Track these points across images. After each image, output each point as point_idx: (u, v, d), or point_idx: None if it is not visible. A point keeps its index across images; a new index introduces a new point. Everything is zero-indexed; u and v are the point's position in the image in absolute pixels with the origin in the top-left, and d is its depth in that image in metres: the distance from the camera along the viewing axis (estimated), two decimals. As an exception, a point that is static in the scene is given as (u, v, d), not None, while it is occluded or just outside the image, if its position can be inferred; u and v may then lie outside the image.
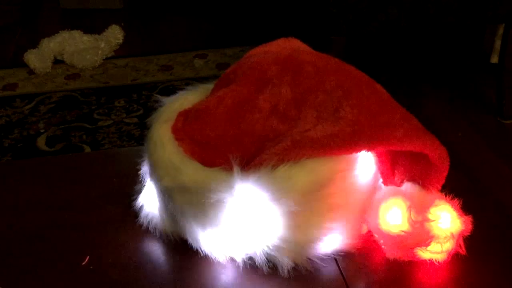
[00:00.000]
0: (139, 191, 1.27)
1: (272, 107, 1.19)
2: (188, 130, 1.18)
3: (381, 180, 1.20)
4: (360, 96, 1.17)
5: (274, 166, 1.09)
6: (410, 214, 1.12)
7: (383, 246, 1.17)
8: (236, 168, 1.10)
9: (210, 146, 1.16)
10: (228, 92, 1.21)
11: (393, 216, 1.14)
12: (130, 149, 1.63)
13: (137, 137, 1.74)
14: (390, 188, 1.17)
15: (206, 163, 1.14)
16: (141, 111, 1.88)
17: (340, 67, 1.23)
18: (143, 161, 1.25)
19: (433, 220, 1.11)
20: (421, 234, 1.12)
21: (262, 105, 1.19)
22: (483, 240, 1.20)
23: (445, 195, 1.15)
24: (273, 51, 1.28)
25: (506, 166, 1.49)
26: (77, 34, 2.24)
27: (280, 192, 1.08)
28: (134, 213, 1.26)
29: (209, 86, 1.32)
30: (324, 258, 1.15)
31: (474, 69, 1.93)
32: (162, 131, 1.19)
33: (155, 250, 1.22)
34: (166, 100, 1.28)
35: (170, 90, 1.93)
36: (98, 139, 1.73)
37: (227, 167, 1.11)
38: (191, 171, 1.12)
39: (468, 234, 1.13)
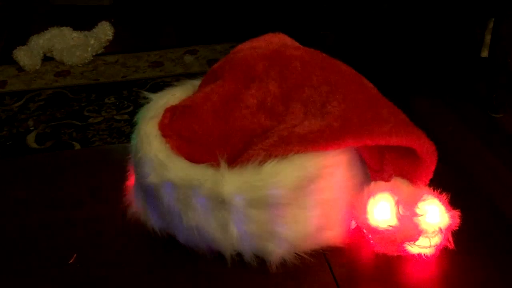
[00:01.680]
0: (127, 188, 1.26)
1: (259, 102, 1.19)
2: (175, 126, 1.18)
3: (369, 175, 1.20)
4: (348, 91, 1.17)
5: (262, 162, 1.09)
6: (398, 209, 1.12)
7: (371, 241, 1.17)
8: (223, 164, 1.09)
9: (197, 142, 1.16)
10: (215, 88, 1.21)
11: (382, 211, 1.14)
12: (119, 146, 1.62)
13: (127, 134, 1.73)
14: (379, 183, 1.17)
15: (193, 160, 1.13)
16: (132, 108, 1.87)
17: (327, 62, 1.23)
18: (130, 158, 1.25)
19: (421, 215, 1.11)
20: (409, 229, 1.12)
21: (250, 100, 1.19)
22: (471, 234, 1.20)
23: (433, 190, 1.15)
24: (260, 46, 1.27)
25: (496, 160, 1.49)
26: (66, 30, 2.23)
27: (268, 187, 1.08)
28: (122, 210, 1.26)
29: (196, 82, 1.32)
30: (312, 254, 1.15)
31: (464, 63, 1.93)
32: (148, 128, 1.19)
33: (143, 247, 1.21)
34: (153, 96, 1.28)
35: (161, 86, 1.92)
36: (88, 136, 1.72)
37: (214, 164, 1.10)
38: (178, 167, 1.11)
39: (456, 228, 1.13)
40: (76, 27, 2.28)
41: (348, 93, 1.16)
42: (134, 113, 1.79)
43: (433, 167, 1.15)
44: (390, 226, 1.12)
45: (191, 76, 1.51)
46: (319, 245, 1.16)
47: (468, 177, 1.42)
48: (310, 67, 1.21)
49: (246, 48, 1.29)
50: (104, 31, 2.26)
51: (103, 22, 2.30)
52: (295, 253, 1.14)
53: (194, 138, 1.16)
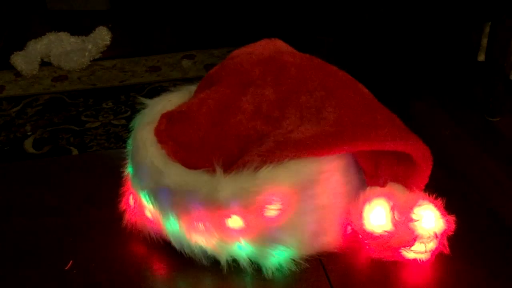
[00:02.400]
0: (124, 194, 1.26)
1: (255, 108, 1.19)
2: (171, 132, 1.18)
3: (364, 180, 1.20)
4: (343, 96, 1.17)
5: (257, 168, 1.09)
6: (394, 215, 1.12)
7: (367, 247, 1.17)
8: (219, 170, 1.09)
9: (193, 148, 1.16)
10: (211, 94, 1.21)
11: (377, 216, 1.14)
12: (116, 151, 1.62)
13: (124, 139, 1.73)
14: (374, 188, 1.17)
15: (189, 165, 1.13)
16: (129, 113, 1.87)
17: (323, 67, 1.23)
18: (126, 163, 1.25)
19: (417, 220, 1.12)
20: (405, 234, 1.12)
21: (245, 106, 1.19)
22: (467, 239, 1.20)
23: (429, 195, 1.15)
24: (256, 52, 1.28)
25: (492, 164, 1.49)
26: (64, 35, 2.23)
27: (263, 193, 1.08)
28: (118, 216, 1.26)
29: (192, 88, 1.32)
30: (308, 259, 1.15)
31: (461, 67, 1.93)
32: (144, 134, 1.19)
33: (139, 253, 1.21)
34: (149, 102, 1.28)
35: (158, 91, 1.92)
36: (86, 141, 1.73)
37: (210, 169, 1.11)
38: (174, 173, 1.11)
39: (452, 233, 1.13)
40: (73, 32, 2.28)
41: (344, 99, 1.16)
42: (131, 118, 1.79)
43: (428, 172, 1.15)
44: (385, 231, 1.13)
45: (188, 80, 1.52)
46: (315, 250, 1.16)
47: (464, 182, 1.42)
48: (305, 72, 1.21)
49: (242, 54, 1.29)
50: (102, 36, 2.26)
51: (101, 27, 2.30)
52: (291, 258, 1.14)
53: (190, 144, 1.16)
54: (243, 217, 1.09)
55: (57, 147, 1.70)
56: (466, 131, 1.64)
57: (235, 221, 1.09)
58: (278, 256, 1.13)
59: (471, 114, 1.72)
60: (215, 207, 1.08)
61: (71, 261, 1.19)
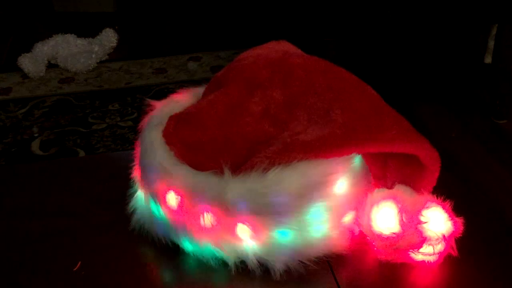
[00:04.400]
0: (131, 196, 1.27)
1: (263, 110, 1.19)
2: (179, 134, 1.18)
3: (372, 182, 1.20)
4: (351, 98, 1.17)
5: (265, 170, 1.09)
6: (402, 217, 1.12)
7: (375, 249, 1.17)
8: (227, 172, 1.10)
9: (201, 150, 1.16)
10: (219, 96, 1.21)
11: (385, 218, 1.14)
12: (124, 153, 1.63)
13: (131, 140, 1.74)
14: (382, 190, 1.17)
15: (197, 167, 1.14)
16: (135, 115, 1.88)
17: (330, 69, 1.23)
18: (134, 165, 1.25)
19: (425, 222, 1.11)
20: (413, 236, 1.12)
21: (253, 108, 1.19)
22: (475, 241, 1.20)
23: (437, 197, 1.15)
24: (263, 54, 1.28)
25: (499, 166, 1.49)
26: (70, 37, 2.24)
27: (272, 195, 1.08)
28: (126, 218, 1.26)
29: (200, 90, 1.32)
30: (316, 261, 1.15)
31: (468, 69, 1.93)
32: (153, 135, 1.19)
33: (147, 254, 1.22)
34: (157, 104, 1.28)
35: (165, 93, 1.93)
36: (92, 143, 1.73)
37: (218, 171, 1.11)
38: (182, 175, 1.12)
39: (460, 235, 1.13)
40: (80, 34, 2.29)
41: (352, 101, 1.16)
42: (138, 119, 1.80)
43: (436, 175, 1.15)
44: (393, 233, 1.12)
45: (194, 82, 1.52)
46: (323, 252, 1.16)
47: (471, 184, 1.42)
48: (313, 74, 1.21)
49: (250, 56, 1.29)
50: (108, 38, 2.27)
51: (107, 29, 2.32)
52: (299, 260, 1.14)
53: (198, 145, 1.16)
54: (251, 218, 1.09)
55: (64, 148, 1.71)
56: (473, 133, 1.65)
57: (243, 223, 1.09)
58: (286, 258, 1.13)
59: (478, 116, 1.72)
60: (224, 208, 1.09)
61: (79, 262, 1.20)
